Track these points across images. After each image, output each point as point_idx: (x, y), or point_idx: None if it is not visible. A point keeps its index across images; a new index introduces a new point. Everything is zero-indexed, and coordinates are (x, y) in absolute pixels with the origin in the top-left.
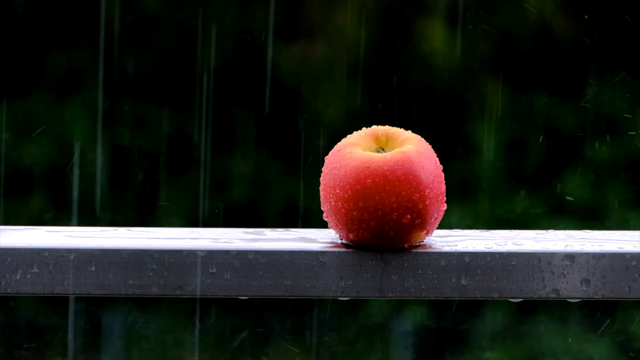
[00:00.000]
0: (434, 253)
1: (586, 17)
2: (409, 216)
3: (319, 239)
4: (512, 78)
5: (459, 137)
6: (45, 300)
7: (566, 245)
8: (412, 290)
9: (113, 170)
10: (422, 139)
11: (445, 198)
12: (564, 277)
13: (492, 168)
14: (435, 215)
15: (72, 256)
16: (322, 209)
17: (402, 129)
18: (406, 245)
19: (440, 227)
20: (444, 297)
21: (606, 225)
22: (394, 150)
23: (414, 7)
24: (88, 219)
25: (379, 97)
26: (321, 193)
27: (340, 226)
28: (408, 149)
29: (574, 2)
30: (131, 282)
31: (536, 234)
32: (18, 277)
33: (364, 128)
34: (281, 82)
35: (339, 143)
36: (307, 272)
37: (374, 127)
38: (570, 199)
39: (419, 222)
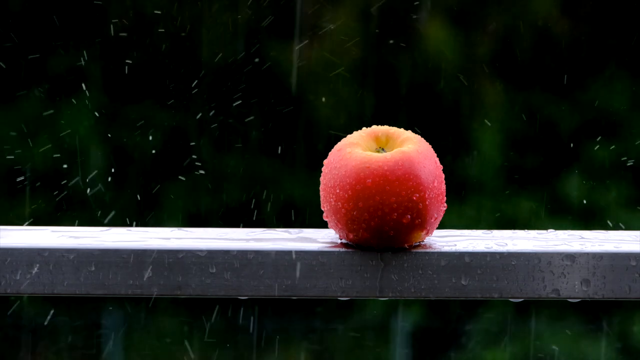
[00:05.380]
0: (434, 253)
1: (586, 16)
2: (409, 216)
3: (319, 239)
4: (512, 78)
5: (459, 137)
6: (45, 300)
7: (566, 245)
8: (412, 290)
9: (113, 170)
10: (422, 139)
11: (445, 198)
12: (564, 277)
13: (492, 168)
14: (435, 215)
15: (72, 256)
16: (322, 209)
17: (402, 129)
18: (406, 245)
19: (440, 227)
20: (444, 297)
21: (606, 225)
22: (394, 150)
23: (413, 7)
24: (88, 219)
25: (379, 97)
26: (321, 193)
27: (340, 226)
28: (408, 148)
29: (573, 2)
30: (131, 282)
31: (536, 234)
32: (18, 277)
33: (364, 128)
34: (281, 81)
35: (339, 143)
36: (307, 272)
37: (374, 127)
38: (570, 199)
39: (419, 222)
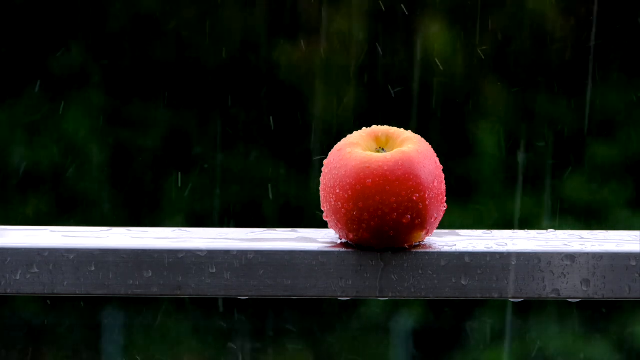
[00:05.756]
0: (434, 253)
1: (586, 17)
2: (409, 216)
3: (319, 239)
4: (512, 78)
5: (459, 137)
6: (45, 300)
7: (566, 245)
8: (412, 290)
9: (113, 170)
10: (422, 139)
11: (445, 198)
12: (564, 277)
13: (492, 168)
14: (435, 215)
15: (72, 256)
16: (322, 209)
17: (402, 129)
18: (406, 245)
19: (440, 227)
20: (444, 297)
21: (606, 225)
22: (394, 150)
23: (414, 7)
24: (88, 219)
25: (379, 97)
26: (321, 193)
27: (340, 226)
28: (408, 148)
29: (573, 2)
30: (131, 282)
31: (536, 234)
32: (18, 277)
33: (364, 128)
34: (281, 82)
35: (339, 143)
36: (307, 272)
37: (374, 127)
38: (571, 199)
39: (419, 222)
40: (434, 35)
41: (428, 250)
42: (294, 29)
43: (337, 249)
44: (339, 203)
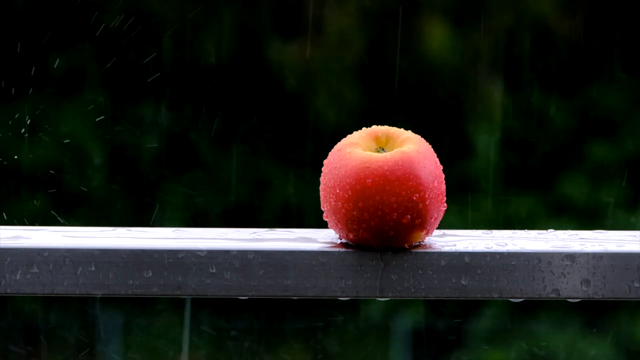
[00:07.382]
0: (434, 253)
1: (586, 16)
2: (409, 216)
3: (319, 239)
4: (512, 78)
5: (459, 137)
6: (45, 300)
7: (566, 245)
8: (412, 290)
9: (113, 170)
10: (422, 139)
11: (445, 198)
12: (564, 277)
13: (492, 168)
14: (435, 215)
15: (72, 256)
16: (322, 209)
17: (402, 129)
18: (406, 245)
19: (440, 227)
20: (444, 297)
21: (606, 225)
22: (394, 150)
23: (414, 7)
24: (88, 219)
25: (379, 97)
26: (321, 193)
27: (340, 226)
28: (408, 148)
29: (574, 2)
30: (131, 282)
31: (536, 234)
32: (18, 277)
33: (364, 128)
34: (281, 82)
35: (339, 143)
36: (307, 272)
37: (374, 127)
38: (570, 199)
39: (419, 222)
40: (434, 35)
41: (428, 250)
42: (294, 29)
43: (337, 249)
44: (339, 203)
